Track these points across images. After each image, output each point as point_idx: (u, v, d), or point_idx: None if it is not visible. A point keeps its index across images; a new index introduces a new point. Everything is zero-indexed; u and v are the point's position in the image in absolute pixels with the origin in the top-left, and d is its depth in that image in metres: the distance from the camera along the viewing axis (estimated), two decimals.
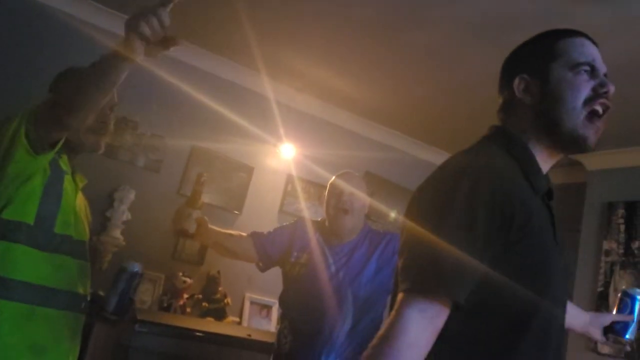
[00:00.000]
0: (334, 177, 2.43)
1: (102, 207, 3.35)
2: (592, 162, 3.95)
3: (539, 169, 1.18)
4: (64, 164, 1.63)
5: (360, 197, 2.36)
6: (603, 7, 2.39)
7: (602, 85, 1.16)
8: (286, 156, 4.08)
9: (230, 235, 2.45)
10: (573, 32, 1.23)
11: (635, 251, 3.58)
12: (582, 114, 1.15)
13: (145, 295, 3.43)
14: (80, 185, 1.73)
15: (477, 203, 1.02)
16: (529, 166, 1.17)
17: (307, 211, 4.06)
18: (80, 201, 1.72)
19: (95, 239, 3.23)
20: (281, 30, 3.23)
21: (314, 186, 4.16)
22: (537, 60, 1.24)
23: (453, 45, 2.97)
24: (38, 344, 1.50)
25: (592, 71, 1.18)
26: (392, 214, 4.45)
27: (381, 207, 4.29)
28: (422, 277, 0.99)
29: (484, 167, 1.09)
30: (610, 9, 2.39)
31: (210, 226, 2.36)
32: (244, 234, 2.47)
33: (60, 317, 1.56)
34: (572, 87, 1.17)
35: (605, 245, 3.77)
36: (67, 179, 1.63)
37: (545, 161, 1.21)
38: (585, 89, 1.16)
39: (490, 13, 2.60)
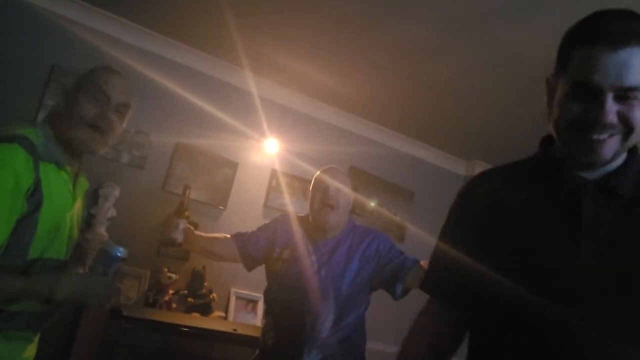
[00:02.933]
0: (319, 172, 2.44)
1: (87, 204, 3.34)
2: None
3: (557, 169, 1.13)
4: (67, 174, 1.57)
5: (346, 193, 2.36)
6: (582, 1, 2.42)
7: (588, 113, 1.03)
8: (270, 151, 4.09)
9: (215, 238, 2.46)
10: (590, 36, 1.03)
11: None
12: (571, 139, 1.08)
13: (131, 292, 3.43)
14: (81, 193, 1.67)
15: (451, 211, 1.28)
16: (545, 168, 1.16)
17: (292, 206, 4.07)
18: (75, 210, 1.65)
19: (80, 236, 3.21)
20: (264, 24, 3.24)
21: (298, 181, 4.18)
22: (557, 64, 1.13)
23: (437, 39, 2.99)
24: None
25: (587, 93, 1.03)
26: (372, 204, 4.50)
27: (365, 201, 4.33)
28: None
29: (471, 181, 1.29)
30: (592, 3, 2.42)
31: (197, 232, 2.38)
32: (227, 235, 2.48)
33: (20, 337, 1.52)
34: (561, 110, 1.08)
35: None
36: (63, 193, 1.54)
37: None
38: (570, 115, 1.06)
39: (474, 7, 2.62)
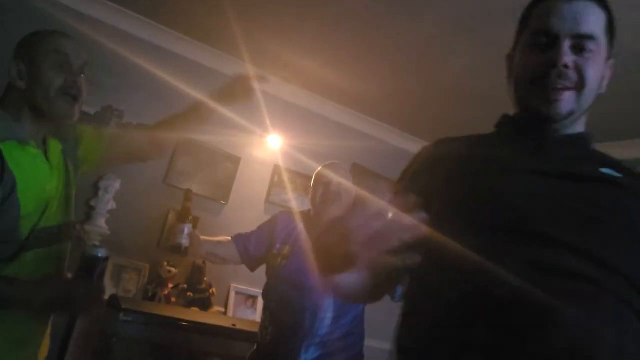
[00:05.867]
0: (320, 167, 2.43)
1: (87, 196, 3.33)
2: None
3: (509, 122, 1.21)
4: (33, 147, 1.51)
5: (348, 187, 2.35)
6: None
7: (547, 60, 1.06)
8: (273, 147, 4.07)
9: (219, 242, 2.44)
10: None
11: None
12: (530, 92, 1.09)
13: (130, 285, 3.42)
14: (56, 156, 1.60)
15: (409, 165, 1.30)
16: (499, 128, 1.23)
17: (294, 202, 4.06)
18: (60, 173, 1.60)
19: (79, 228, 3.21)
20: (268, 19, 3.22)
21: (301, 177, 4.16)
22: (517, 34, 1.20)
23: (442, 37, 2.97)
24: (16, 341, 1.47)
25: (546, 43, 1.07)
26: None
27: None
28: None
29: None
30: None
31: (202, 237, 2.36)
32: (228, 238, 2.46)
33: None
34: (522, 64, 1.12)
35: None
36: (36, 167, 1.50)
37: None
38: (530, 65, 1.09)
39: (481, 5, 2.60)
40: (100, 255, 1.54)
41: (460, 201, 1.02)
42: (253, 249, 2.42)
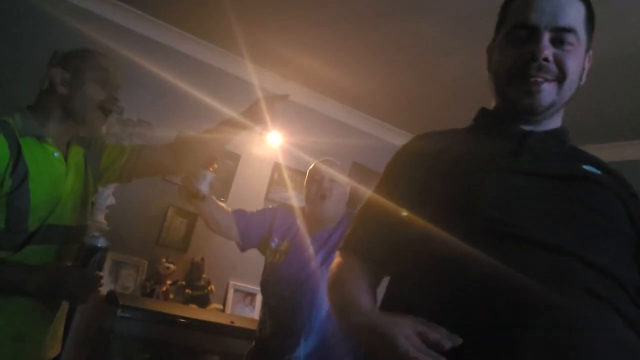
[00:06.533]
0: (313, 164, 2.42)
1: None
2: None
3: (488, 121, 1.19)
4: (50, 146, 1.57)
5: (341, 183, 2.35)
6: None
7: (526, 54, 1.06)
8: (273, 144, 4.07)
9: (221, 207, 2.37)
10: None
11: None
12: (510, 86, 1.09)
13: (128, 281, 3.42)
14: (75, 161, 1.67)
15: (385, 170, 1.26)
16: (478, 123, 1.23)
17: (294, 199, 4.06)
18: (76, 177, 1.66)
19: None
20: (268, 18, 3.21)
21: (301, 174, 4.16)
22: (496, 28, 1.20)
23: (444, 36, 2.96)
24: (16, 332, 1.48)
25: (525, 36, 1.07)
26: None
27: (366, 193, 4.31)
28: None
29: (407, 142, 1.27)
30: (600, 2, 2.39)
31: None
32: (228, 208, 2.40)
33: (34, 305, 1.53)
34: (501, 58, 1.12)
35: None
36: (51, 163, 1.56)
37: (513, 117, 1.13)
38: (509, 58, 1.09)
39: (481, 5, 2.60)
40: (99, 245, 1.58)
41: (443, 202, 1.02)
42: (251, 231, 2.38)
